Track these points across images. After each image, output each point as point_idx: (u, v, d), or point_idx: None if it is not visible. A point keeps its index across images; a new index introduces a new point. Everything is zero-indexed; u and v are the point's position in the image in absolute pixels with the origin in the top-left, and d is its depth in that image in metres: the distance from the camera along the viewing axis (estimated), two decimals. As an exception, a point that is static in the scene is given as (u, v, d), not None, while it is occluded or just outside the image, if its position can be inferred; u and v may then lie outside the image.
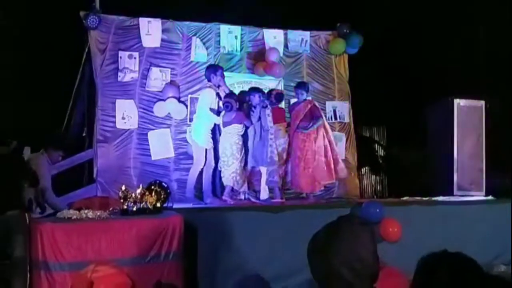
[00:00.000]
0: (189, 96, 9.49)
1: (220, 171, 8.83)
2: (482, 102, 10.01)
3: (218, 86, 8.90)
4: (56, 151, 7.38)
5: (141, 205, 6.50)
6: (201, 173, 8.84)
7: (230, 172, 8.70)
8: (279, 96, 9.38)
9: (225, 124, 8.72)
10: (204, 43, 9.79)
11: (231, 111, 8.60)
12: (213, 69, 8.99)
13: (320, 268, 2.20)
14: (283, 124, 9.29)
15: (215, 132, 8.90)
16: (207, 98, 8.80)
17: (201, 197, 8.85)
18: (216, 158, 8.81)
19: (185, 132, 9.35)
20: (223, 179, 8.81)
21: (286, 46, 10.37)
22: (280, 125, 9.21)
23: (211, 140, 8.82)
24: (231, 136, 8.71)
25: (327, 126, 9.48)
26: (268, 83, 10.00)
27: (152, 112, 9.39)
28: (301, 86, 9.48)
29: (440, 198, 9.14)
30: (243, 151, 8.81)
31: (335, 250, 2.15)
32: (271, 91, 9.47)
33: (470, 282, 2.16)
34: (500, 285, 2.30)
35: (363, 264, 2.15)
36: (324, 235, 2.23)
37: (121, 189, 6.63)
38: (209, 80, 8.92)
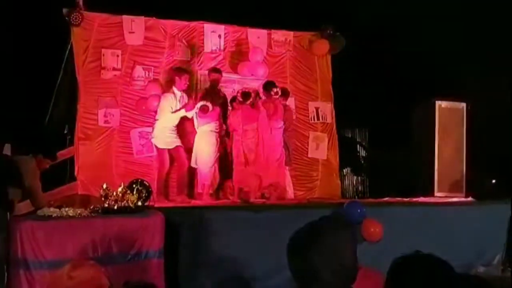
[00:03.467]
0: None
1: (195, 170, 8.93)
2: (463, 104, 10.10)
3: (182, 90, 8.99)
4: (45, 159, 7.28)
5: (123, 203, 6.46)
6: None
7: (206, 172, 8.75)
8: (245, 95, 9.14)
9: (201, 122, 8.78)
10: (187, 42, 9.78)
11: (207, 113, 8.69)
12: (178, 72, 9.13)
13: (300, 267, 2.21)
14: (252, 125, 9.07)
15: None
16: (166, 104, 8.90)
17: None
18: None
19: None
20: (199, 179, 8.87)
21: (269, 46, 10.37)
22: (248, 126, 9.03)
23: (176, 140, 8.93)
24: (206, 135, 8.75)
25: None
26: (251, 83, 10.00)
27: (135, 110, 9.36)
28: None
29: (421, 199, 9.20)
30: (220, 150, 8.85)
31: (316, 250, 2.16)
32: (238, 90, 9.43)
33: (442, 283, 2.18)
34: (472, 285, 2.33)
35: (342, 265, 2.16)
36: (305, 234, 2.24)
37: (102, 187, 6.59)
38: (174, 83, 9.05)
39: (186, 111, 8.82)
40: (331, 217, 2.34)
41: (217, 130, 8.92)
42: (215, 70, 9.51)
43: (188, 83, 9.13)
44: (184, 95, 9.10)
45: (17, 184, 6.50)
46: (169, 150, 8.97)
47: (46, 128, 9.02)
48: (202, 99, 8.99)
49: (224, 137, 9.18)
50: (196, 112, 8.85)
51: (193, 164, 8.95)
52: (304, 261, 2.17)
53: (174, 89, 9.00)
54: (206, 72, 9.58)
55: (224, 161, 9.15)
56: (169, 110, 8.85)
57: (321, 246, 2.16)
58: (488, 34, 10.06)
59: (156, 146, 9.08)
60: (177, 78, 9.01)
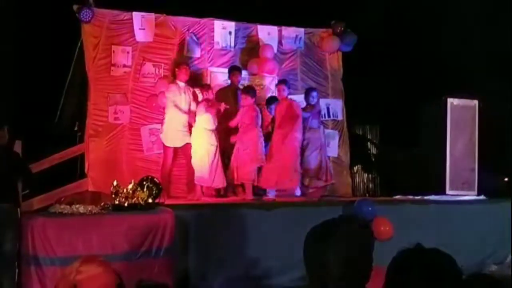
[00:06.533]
0: (182, 91, 9.45)
1: None
2: (476, 102, 10.02)
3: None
4: None
5: (133, 200, 6.48)
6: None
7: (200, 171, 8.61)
8: (248, 89, 9.03)
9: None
10: (197, 39, 9.76)
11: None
12: (177, 65, 9.17)
13: (315, 265, 2.19)
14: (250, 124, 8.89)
15: None
16: (171, 96, 8.82)
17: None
18: None
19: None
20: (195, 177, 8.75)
21: (280, 42, 10.33)
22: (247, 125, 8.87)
23: (186, 138, 8.82)
24: (199, 130, 8.62)
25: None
26: (262, 79, 9.98)
27: (145, 107, 9.36)
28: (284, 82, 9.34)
29: (432, 197, 9.14)
30: (216, 146, 8.67)
31: (333, 249, 2.15)
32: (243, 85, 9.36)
33: (444, 278, 2.15)
34: (484, 284, 2.29)
35: (358, 265, 2.16)
36: (321, 233, 2.22)
37: (112, 184, 6.60)
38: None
39: (208, 112, 8.69)
40: (348, 217, 2.33)
41: (211, 125, 8.73)
42: (238, 68, 9.50)
43: (188, 73, 9.00)
44: (188, 86, 9.00)
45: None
46: (177, 148, 8.92)
47: (57, 125, 9.03)
48: (218, 96, 8.96)
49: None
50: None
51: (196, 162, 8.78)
52: (319, 258, 2.16)
53: (177, 81, 8.93)
54: (216, 69, 9.54)
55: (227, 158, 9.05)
56: (173, 104, 8.77)
57: (337, 245, 2.15)
58: (501, 31, 9.98)
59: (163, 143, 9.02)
60: (176, 70, 9.00)
